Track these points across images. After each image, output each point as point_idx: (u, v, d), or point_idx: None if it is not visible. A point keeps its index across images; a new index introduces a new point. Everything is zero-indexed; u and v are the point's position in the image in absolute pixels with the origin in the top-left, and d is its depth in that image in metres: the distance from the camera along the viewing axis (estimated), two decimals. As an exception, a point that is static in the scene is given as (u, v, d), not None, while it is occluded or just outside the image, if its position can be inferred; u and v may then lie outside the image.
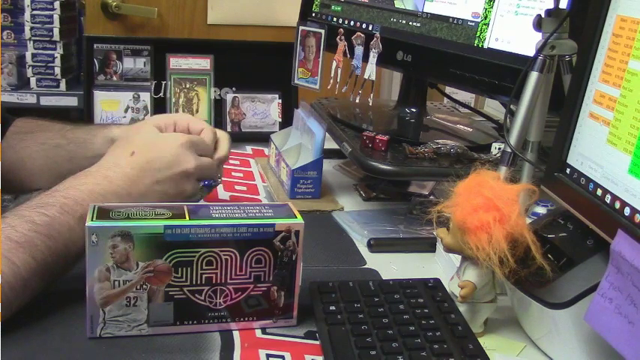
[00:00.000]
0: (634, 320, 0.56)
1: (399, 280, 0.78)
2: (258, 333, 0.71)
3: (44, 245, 0.69)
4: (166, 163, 0.84)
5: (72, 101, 2.03)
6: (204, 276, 0.68)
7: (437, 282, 0.78)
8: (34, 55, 2.01)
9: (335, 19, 1.25)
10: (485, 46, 0.99)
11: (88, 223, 0.64)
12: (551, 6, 0.83)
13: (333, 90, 1.10)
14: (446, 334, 0.68)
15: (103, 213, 0.66)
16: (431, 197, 1.13)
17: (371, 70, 1.08)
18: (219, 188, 1.08)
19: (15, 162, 0.97)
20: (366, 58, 1.09)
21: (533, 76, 0.84)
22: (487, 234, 0.68)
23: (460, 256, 0.74)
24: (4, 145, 0.98)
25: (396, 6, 1.14)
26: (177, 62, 1.39)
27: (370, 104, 1.09)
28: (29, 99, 2.01)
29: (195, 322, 0.70)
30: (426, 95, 1.26)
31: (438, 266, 0.92)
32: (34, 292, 0.69)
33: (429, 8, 1.09)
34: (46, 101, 2.02)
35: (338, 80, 1.10)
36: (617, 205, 0.62)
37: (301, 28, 1.14)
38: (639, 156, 0.60)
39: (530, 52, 0.85)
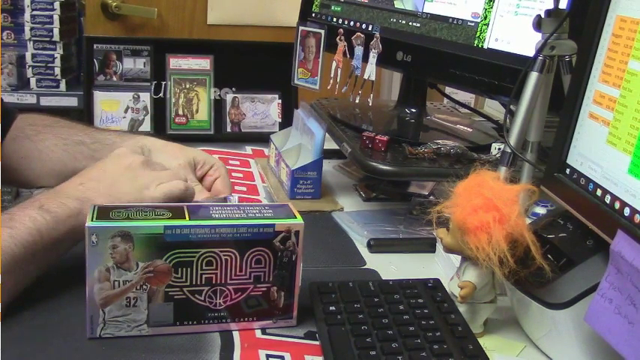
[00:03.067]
0: (634, 320, 0.56)
1: (399, 280, 0.78)
2: (258, 333, 0.71)
3: (7, 234, 0.68)
4: (113, 157, 0.84)
5: (72, 101, 2.03)
6: (204, 276, 0.68)
7: (437, 282, 0.78)
8: (34, 56, 2.01)
9: (335, 19, 1.25)
10: (485, 46, 0.99)
11: (88, 223, 0.64)
12: (551, 6, 0.83)
13: (332, 90, 1.10)
14: (446, 334, 0.68)
15: (102, 213, 0.66)
16: (431, 197, 1.13)
17: (371, 71, 1.08)
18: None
19: (32, 151, 0.97)
20: (365, 58, 1.09)
21: (533, 76, 0.84)
22: (487, 234, 0.68)
23: (460, 257, 0.74)
24: (19, 134, 0.98)
25: (395, 6, 1.14)
26: (177, 62, 1.39)
27: (370, 104, 1.09)
28: (29, 99, 2.01)
29: (195, 322, 0.70)
30: (425, 95, 1.26)
31: (438, 266, 0.92)
32: (3, 289, 0.67)
33: (429, 8, 1.09)
34: (46, 101, 2.02)
35: (338, 80, 1.10)
36: (617, 205, 0.62)
37: (301, 28, 1.14)
38: (639, 156, 0.60)
39: (530, 52, 0.85)
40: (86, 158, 0.98)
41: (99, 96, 1.35)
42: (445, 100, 1.44)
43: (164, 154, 0.97)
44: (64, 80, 2.04)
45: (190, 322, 0.69)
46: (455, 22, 1.04)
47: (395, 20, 1.14)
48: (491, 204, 0.68)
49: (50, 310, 0.71)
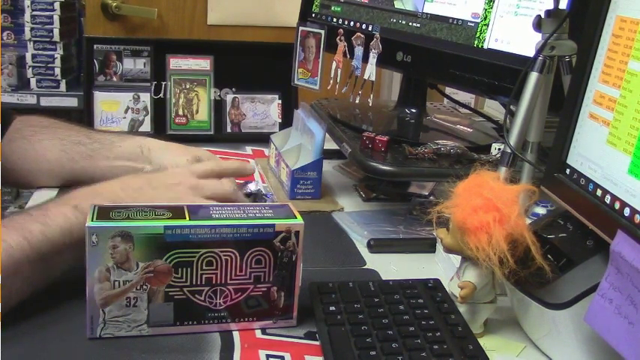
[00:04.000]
0: (634, 321, 0.56)
1: (399, 280, 0.78)
2: (258, 333, 0.71)
3: (38, 230, 0.69)
4: (164, 174, 0.86)
5: (72, 102, 2.03)
6: (204, 276, 0.68)
7: (437, 282, 0.78)
8: (34, 56, 2.01)
9: (335, 19, 1.25)
10: (485, 46, 0.99)
11: (89, 223, 0.64)
12: (550, 6, 0.83)
13: (332, 90, 1.10)
14: (446, 334, 0.68)
15: (103, 213, 0.66)
16: (431, 198, 1.13)
17: (371, 71, 1.08)
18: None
19: (29, 152, 0.97)
20: (365, 58, 1.09)
21: (533, 76, 0.84)
22: (487, 234, 0.68)
23: (460, 257, 0.74)
24: (16, 135, 0.98)
25: (395, 6, 1.14)
26: (177, 63, 1.39)
27: (370, 105, 1.09)
28: (29, 100, 2.02)
29: (195, 322, 0.70)
30: (425, 96, 1.26)
31: (438, 267, 0.92)
32: (26, 282, 0.68)
33: (429, 9, 1.09)
34: (46, 102, 2.02)
35: (338, 81, 1.10)
36: (617, 205, 0.62)
37: (301, 28, 1.14)
38: (639, 156, 0.60)
39: (530, 52, 0.85)
40: (84, 158, 0.99)
41: (99, 96, 1.35)
42: (445, 101, 1.44)
43: (168, 153, 0.98)
44: (64, 80, 2.04)
45: (190, 322, 0.69)
46: (455, 22, 1.04)
47: (395, 20, 1.14)
48: (491, 204, 0.68)
49: (50, 310, 0.71)
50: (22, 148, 0.97)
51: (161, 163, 0.98)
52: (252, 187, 1.00)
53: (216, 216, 0.68)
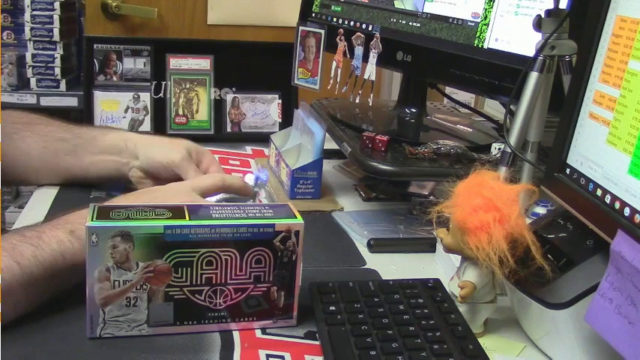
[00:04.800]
0: (634, 320, 0.56)
1: (399, 280, 0.78)
2: (258, 333, 0.71)
3: (30, 253, 0.68)
4: (164, 192, 0.84)
5: (72, 102, 2.03)
6: (204, 276, 0.68)
7: (437, 282, 0.78)
8: (34, 56, 2.01)
9: (335, 19, 1.25)
10: (485, 46, 0.99)
11: (88, 223, 0.64)
12: (551, 6, 0.83)
13: (333, 90, 1.10)
14: (446, 334, 0.68)
15: (103, 213, 0.66)
16: (431, 197, 1.13)
17: (371, 71, 1.08)
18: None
19: (13, 150, 0.97)
20: (366, 58, 1.09)
21: (533, 76, 0.84)
22: (487, 234, 0.68)
23: (460, 257, 0.74)
24: None
25: (395, 6, 1.14)
26: (177, 62, 1.38)
27: (370, 104, 1.09)
28: (29, 99, 2.02)
29: (195, 322, 0.70)
30: (425, 95, 1.26)
31: (438, 266, 0.92)
32: (17, 305, 0.67)
33: (429, 8, 1.09)
34: (46, 102, 2.02)
35: (338, 80, 1.10)
36: (617, 205, 0.62)
37: (301, 28, 1.14)
38: (639, 156, 0.60)
39: (530, 52, 0.85)
40: (68, 154, 0.98)
41: (99, 96, 1.35)
42: (445, 100, 1.44)
43: (160, 148, 0.97)
44: (64, 80, 2.04)
45: (190, 322, 0.70)
46: (455, 22, 1.04)
47: (395, 20, 1.14)
48: (491, 204, 0.68)
49: (50, 310, 0.71)
50: (6, 147, 0.96)
51: (153, 158, 0.97)
52: (248, 179, 0.96)
53: (216, 216, 0.68)
